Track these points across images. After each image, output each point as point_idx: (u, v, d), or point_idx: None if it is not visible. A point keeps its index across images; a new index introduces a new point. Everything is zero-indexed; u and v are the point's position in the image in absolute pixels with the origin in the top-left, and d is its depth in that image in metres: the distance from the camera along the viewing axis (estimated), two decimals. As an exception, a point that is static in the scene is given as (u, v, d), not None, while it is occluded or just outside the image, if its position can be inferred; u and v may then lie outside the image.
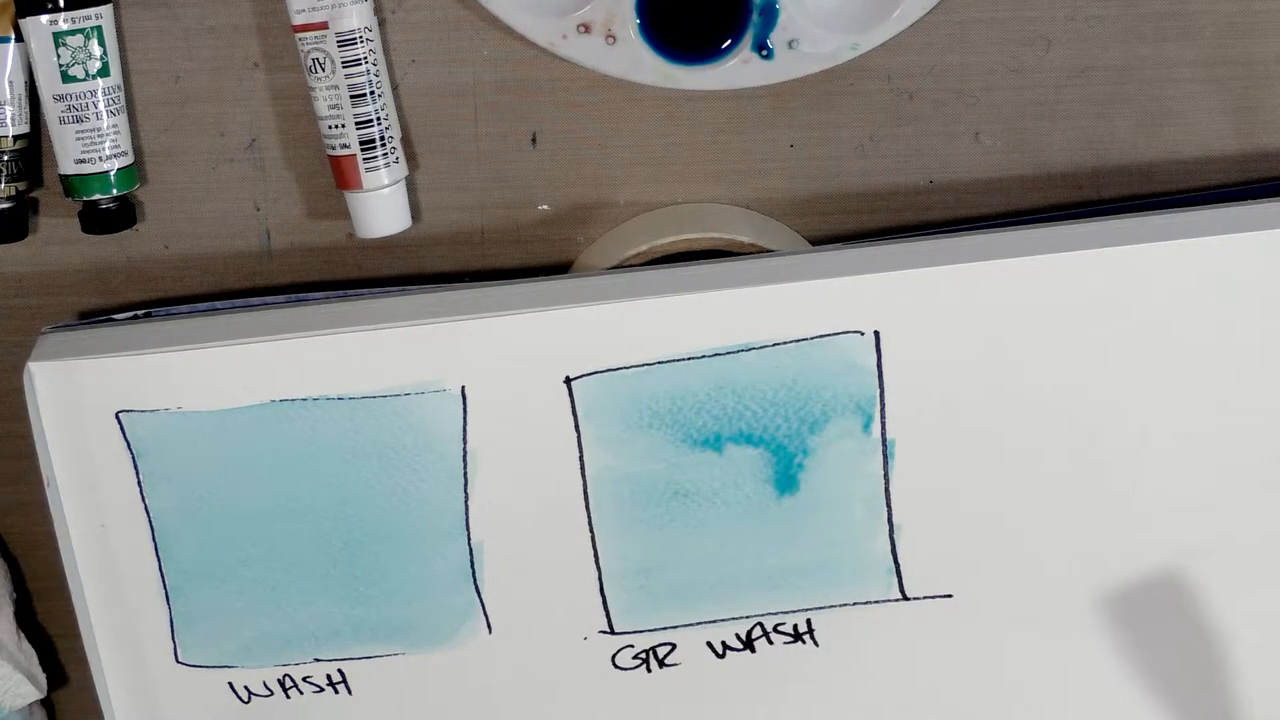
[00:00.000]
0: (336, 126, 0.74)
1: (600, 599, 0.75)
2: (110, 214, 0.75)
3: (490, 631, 0.76)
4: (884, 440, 0.74)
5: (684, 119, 0.77)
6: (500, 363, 0.72)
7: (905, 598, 0.76)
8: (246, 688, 0.77)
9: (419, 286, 0.74)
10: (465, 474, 0.74)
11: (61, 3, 0.72)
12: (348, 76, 0.73)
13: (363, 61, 0.73)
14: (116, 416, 0.72)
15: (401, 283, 0.78)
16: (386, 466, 0.73)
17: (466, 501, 0.74)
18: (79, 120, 0.73)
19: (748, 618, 0.76)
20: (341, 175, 0.74)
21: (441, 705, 0.77)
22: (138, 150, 0.76)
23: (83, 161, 0.74)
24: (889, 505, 0.75)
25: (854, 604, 0.76)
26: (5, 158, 0.74)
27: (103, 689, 0.76)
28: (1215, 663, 0.77)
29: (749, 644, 0.76)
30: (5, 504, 0.80)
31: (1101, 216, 0.74)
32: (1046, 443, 0.74)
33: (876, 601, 0.76)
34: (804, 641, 0.76)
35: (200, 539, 0.74)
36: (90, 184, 0.74)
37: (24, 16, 0.72)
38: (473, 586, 0.75)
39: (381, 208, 0.75)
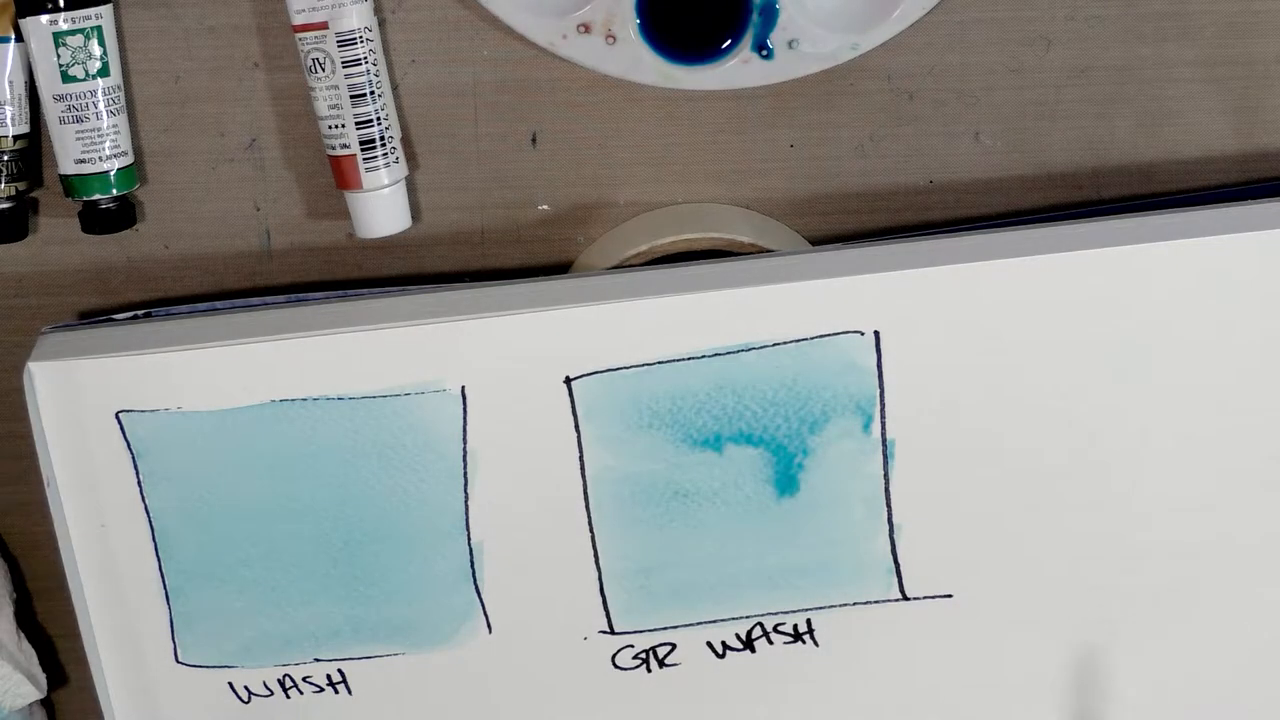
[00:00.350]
0: (336, 126, 0.74)
1: (600, 599, 0.75)
2: (110, 214, 0.75)
3: (490, 631, 0.76)
4: (884, 440, 0.74)
5: (684, 119, 0.77)
6: (500, 363, 0.72)
7: (905, 598, 0.76)
8: (246, 688, 0.77)
9: (419, 286, 0.74)
10: (465, 474, 0.73)
11: (61, 3, 0.72)
12: (348, 76, 0.73)
13: (363, 61, 0.73)
14: (116, 416, 0.72)
15: (401, 283, 0.78)
16: (386, 466, 0.73)
17: (466, 501, 0.74)
18: (79, 120, 0.73)
19: (748, 618, 0.76)
20: (341, 175, 0.74)
21: (441, 705, 0.77)
22: (138, 150, 0.76)
23: (83, 161, 0.74)
24: (889, 505, 0.74)
25: (854, 604, 0.76)
26: (5, 158, 0.74)
27: (103, 689, 0.76)
28: (1215, 663, 0.77)
29: (749, 644, 0.76)
30: (5, 504, 0.80)
31: (1101, 216, 0.74)
32: (1046, 443, 0.74)
33: (876, 601, 0.76)
34: (804, 641, 0.76)
35: (200, 539, 0.74)
36: (90, 184, 0.74)
37: (24, 16, 0.72)
38: (473, 586, 0.75)
39: (381, 208, 0.75)
